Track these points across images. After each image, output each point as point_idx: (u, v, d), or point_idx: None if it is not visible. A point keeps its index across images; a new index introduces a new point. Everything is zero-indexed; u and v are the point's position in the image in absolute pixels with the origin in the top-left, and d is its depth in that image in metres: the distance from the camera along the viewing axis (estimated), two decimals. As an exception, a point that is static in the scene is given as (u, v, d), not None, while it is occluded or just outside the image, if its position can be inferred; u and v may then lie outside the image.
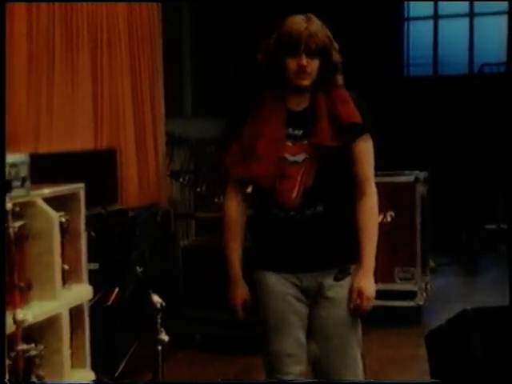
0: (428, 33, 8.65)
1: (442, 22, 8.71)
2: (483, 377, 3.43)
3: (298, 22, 2.34)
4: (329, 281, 2.40)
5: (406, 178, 5.23)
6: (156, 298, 2.96)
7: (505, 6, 8.38)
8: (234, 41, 7.74)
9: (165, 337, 2.68)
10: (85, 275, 2.82)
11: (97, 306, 3.08)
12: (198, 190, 6.03)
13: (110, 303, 2.93)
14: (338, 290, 2.41)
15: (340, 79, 2.42)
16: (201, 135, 6.65)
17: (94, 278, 2.96)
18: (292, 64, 2.33)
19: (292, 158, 2.36)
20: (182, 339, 4.61)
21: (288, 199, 2.35)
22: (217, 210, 5.65)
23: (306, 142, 2.36)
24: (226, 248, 2.51)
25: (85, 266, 2.82)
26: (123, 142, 5.09)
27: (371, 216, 2.43)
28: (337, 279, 2.41)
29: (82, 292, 2.79)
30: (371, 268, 2.42)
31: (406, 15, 8.77)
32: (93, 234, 3.38)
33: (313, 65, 2.34)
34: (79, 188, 2.77)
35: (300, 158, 2.36)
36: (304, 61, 2.32)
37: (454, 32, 8.70)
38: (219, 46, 7.59)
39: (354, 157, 2.39)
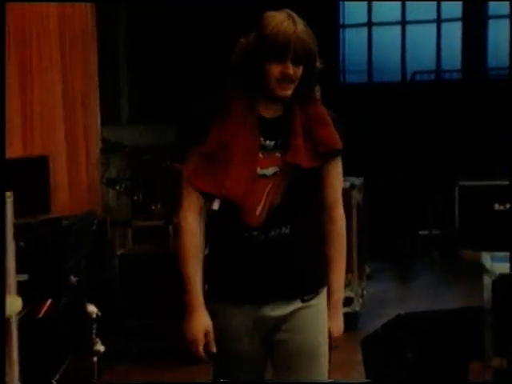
0: (363, 40, 8.79)
1: (376, 30, 8.86)
2: (417, 379, 3.50)
3: (284, 23, 2.03)
4: (293, 306, 2.11)
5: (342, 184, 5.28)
6: (91, 308, 2.90)
7: (435, 14, 8.61)
8: (171, 46, 7.70)
9: (100, 347, 2.62)
10: (13, 286, 2.74)
11: (27, 318, 3.00)
12: (135, 197, 5.94)
13: (41, 315, 2.85)
14: (303, 312, 2.13)
15: (318, 92, 2.18)
16: (138, 142, 6.57)
17: (24, 290, 2.88)
18: (275, 71, 2.03)
19: (260, 171, 2.08)
20: (120, 350, 4.53)
21: (251, 217, 2.06)
22: (154, 218, 5.65)
23: (277, 154, 2.09)
24: (183, 267, 2.12)
25: (13, 276, 2.74)
26: (54, 149, 4.98)
27: (341, 243, 2.20)
28: (304, 300, 2.13)
29: (10, 304, 2.71)
30: (340, 300, 2.21)
31: (341, 22, 8.89)
32: (21, 243, 3.28)
33: (297, 73, 2.06)
34: (7, 196, 2.70)
35: (269, 171, 2.09)
36: (290, 69, 2.03)
37: (388, 39, 8.87)
38: (156, 52, 7.53)
39: (326, 179, 2.16)
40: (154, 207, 5.78)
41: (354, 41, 8.87)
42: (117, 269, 4.79)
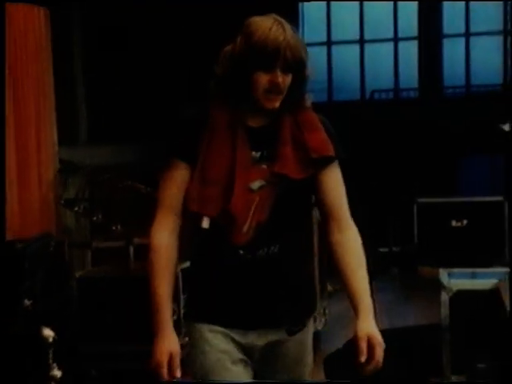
0: (322, 59, 8.87)
1: (335, 48, 8.95)
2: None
3: (272, 28, 1.91)
4: (280, 335, 1.99)
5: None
6: (47, 332, 2.84)
7: (392, 33, 8.73)
8: (130, 63, 7.66)
9: (57, 372, 2.57)
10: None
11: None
12: (94, 218, 5.87)
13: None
14: (290, 346, 2.00)
15: (308, 99, 2.06)
16: (97, 161, 6.51)
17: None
18: (263, 80, 1.91)
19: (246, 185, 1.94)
20: (78, 375, 4.44)
21: (237, 235, 1.91)
22: (114, 239, 5.59)
23: (264, 166, 1.95)
24: (153, 286, 1.98)
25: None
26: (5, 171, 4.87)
27: (357, 250, 2.03)
28: (290, 333, 2.00)
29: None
30: (370, 306, 1.98)
31: (300, 41, 8.94)
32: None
33: (286, 82, 1.94)
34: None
35: (255, 185, 1.93)
36: (279, 77, 1.91)
37: (347, 58, 8.97)
38: (114, 70, 7.49)
39: (324, 187, 2.01)
40: (114, 228, 5.72)
41: (313, 59, 8.90)
42: (75, 291, 4.71)
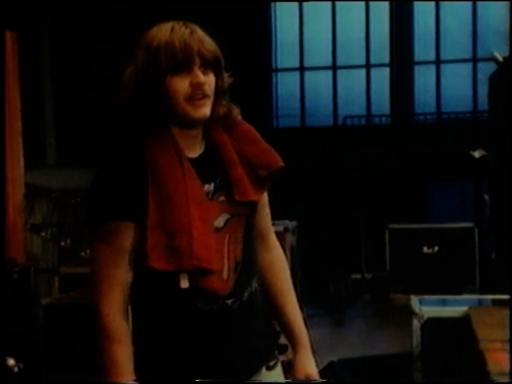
0: (295, 84, 8.91)
1: (308, 74, 9.00)
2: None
3: (175, 28, 1.62)
4: (260, 373, 1.77)
5: (275, 227, 5.24)
6: (12, 362, 2.76)
7: (364, 59, 8.82)
8: (100, 88, 7.61)
9: (21, 405, 2.47)
10: None
11: None
12: (62, 243, 5.79)
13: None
14: (270, 377, 1.79)
15: (238, 112, 1.76)
16: (65, 186, 6.42)
17: None
18: (182, 84, 1.60)
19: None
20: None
21: (219, 285, 1.63)
22: (83, 265, 5.50)
23: (222, 197, 1.69)
24: (106, 353, 1.65)
25: None
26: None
27: (285, 271, 1.86)
28: (269, 368, 1.79)
29: None
30: (307, 340, 1.87)
31: (273, 66, 9.00)
32: None
33: (209, 81, 1.63)
34: None
35: (221, 221, 1.67)
36: (201, 76, 1.61)
37: (320, 84, 9.02)
38: (83, 91, 7.43)
39: (260, 208, 1.80)
40: (83, 253, 5.64)
41: (286, 85, 8.98)
42: (41, 319, 4.60)
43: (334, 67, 8.93)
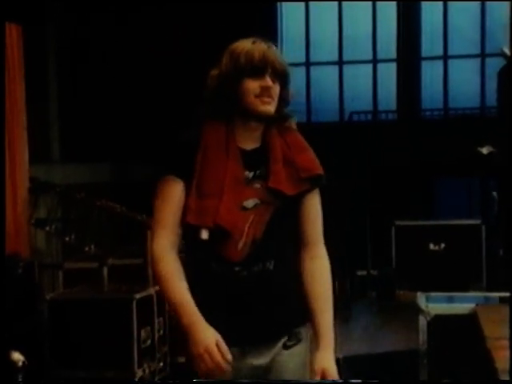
0: (301, 80, 8.87)
1: (313, 70, 8.95)
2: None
3: (255, 42, 2.04)
4: (277, 350, 2.03)
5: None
6: (17, 356, 2.75)
7: (371, 55, 8.77)
8: (105, 82, 7.59)
9: (27, 399, 2.46)
10: None
11: None
12: (67, 238, 5.78)
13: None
14: (286, 360, 2.03)
15: (294, 122, 2.14)
16: (70, 180, 6.41)
17: None
18: (253, 86, 2.00)
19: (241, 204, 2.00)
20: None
21: (233, 252, 1.97)
22: (87, 260, 5.48)
23: (258, 185, 2.03)
24: (168, 293, 1.99)
25: None
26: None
27: (327, 280, 2.09)
28: (286, 347, 2.04)
29: None
30: (332, 340, 2.06)
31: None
32: None
33: (276, 89, 2.03)
34: None
35: (249, 203, 2.01)
36: (269, 81, 2.01)
37: (326, 80, 8.97)
38: (88, 86, 7.40)
39: (305, 212, 2.09)
40: (87, 248, 5.63)
41: (292, 80, 8.91)
42: (46, 314, 4.59)
43: (341, 62, 8.88)
